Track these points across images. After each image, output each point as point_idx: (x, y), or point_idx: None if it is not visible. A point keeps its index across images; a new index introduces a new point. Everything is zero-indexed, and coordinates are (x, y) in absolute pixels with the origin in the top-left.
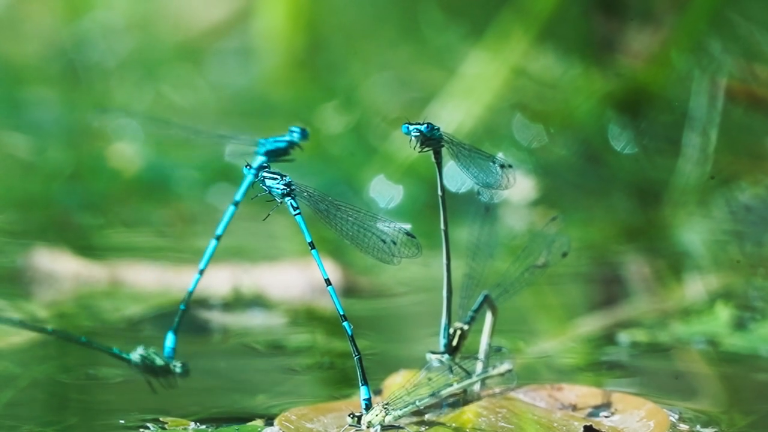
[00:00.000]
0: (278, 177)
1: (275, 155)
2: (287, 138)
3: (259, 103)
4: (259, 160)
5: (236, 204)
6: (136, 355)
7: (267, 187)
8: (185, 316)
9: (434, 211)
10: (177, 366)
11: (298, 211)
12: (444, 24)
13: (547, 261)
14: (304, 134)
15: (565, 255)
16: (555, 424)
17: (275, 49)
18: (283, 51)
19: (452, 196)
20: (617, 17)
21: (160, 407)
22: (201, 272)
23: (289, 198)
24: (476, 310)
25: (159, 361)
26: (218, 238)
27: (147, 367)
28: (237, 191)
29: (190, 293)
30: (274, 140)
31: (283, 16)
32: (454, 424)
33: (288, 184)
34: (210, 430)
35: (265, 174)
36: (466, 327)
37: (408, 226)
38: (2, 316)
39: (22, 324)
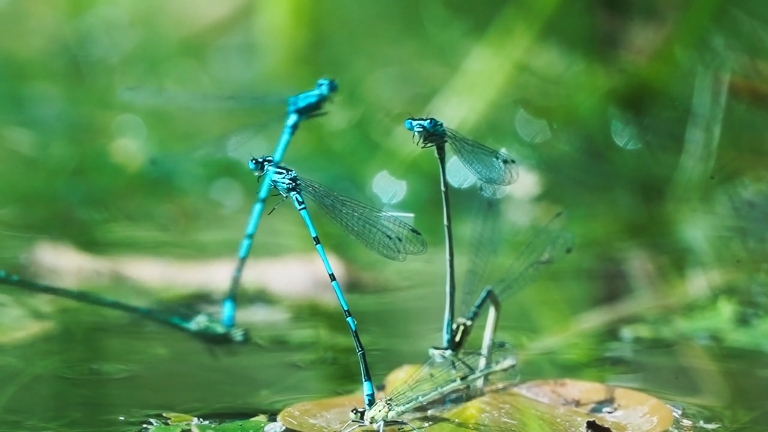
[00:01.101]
0: (284, 171)
1: (307, 111)
2: (317, 92)
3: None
4: (293, 118)
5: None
6: (195, 324)
7: (272, 181)
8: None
9: (437, 206)
10: (237, 333)
11: (303, 206)
12: (447, 20)
13: (551, 257)
14: (332, 86)
15: (569, 251)
16: (558, 420)
17: (278, 45)
18: (286, 47)
19: (455, 191)
20: (620, 13)
21: (163, 402)
22: (249, 236)
23: (295, 192)
24: (479, 306)
25: (219, 329)
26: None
27: (207, 335)
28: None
29: (243, 259)
30: (304, 96)
31: (286, 12)
32: (457, 420)
33: (293, 179)
34: (213, 425)
35: (270, 168)
36: (469, 322)
37: (411, 215)
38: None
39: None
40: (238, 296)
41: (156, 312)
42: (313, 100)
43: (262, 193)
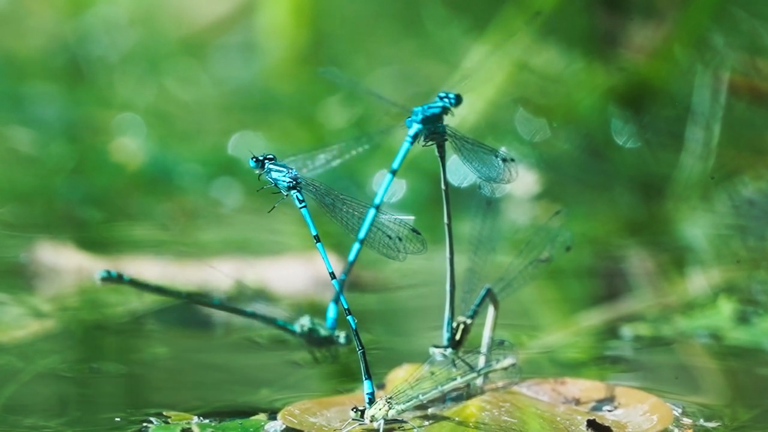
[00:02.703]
0: (284, 170)
1: (431, 122)
2: (440, 104)
3: (261, 97)
4: (416, 128)
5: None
6: (300, 325)
7: (273, 179)
8: (343, 286)
9: (437, 205)
10: (340, 336)
11: (303, 204)
12: (447, 18)
13: (550, 255)
14: (458, 99)
15: (568, 249)
16: (558, 418)
17: (278, 44)
18: (287, 46)
19: (455, 190)
20: (620, 11)
21: (163, 401)
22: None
23: (295, 191)
24: (479, 305)
25: (323, 332)
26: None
27: (311, 337)
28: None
29: (351, 263)
30: (428, 107)
31: (287, 11)
32: (457, 418)
33: (294, 177)
34: (213, 424)
35: (271, 166)
36: (469, 321)
37: (411, 218)
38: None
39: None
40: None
41: (262, 314)
42: (437, 111)
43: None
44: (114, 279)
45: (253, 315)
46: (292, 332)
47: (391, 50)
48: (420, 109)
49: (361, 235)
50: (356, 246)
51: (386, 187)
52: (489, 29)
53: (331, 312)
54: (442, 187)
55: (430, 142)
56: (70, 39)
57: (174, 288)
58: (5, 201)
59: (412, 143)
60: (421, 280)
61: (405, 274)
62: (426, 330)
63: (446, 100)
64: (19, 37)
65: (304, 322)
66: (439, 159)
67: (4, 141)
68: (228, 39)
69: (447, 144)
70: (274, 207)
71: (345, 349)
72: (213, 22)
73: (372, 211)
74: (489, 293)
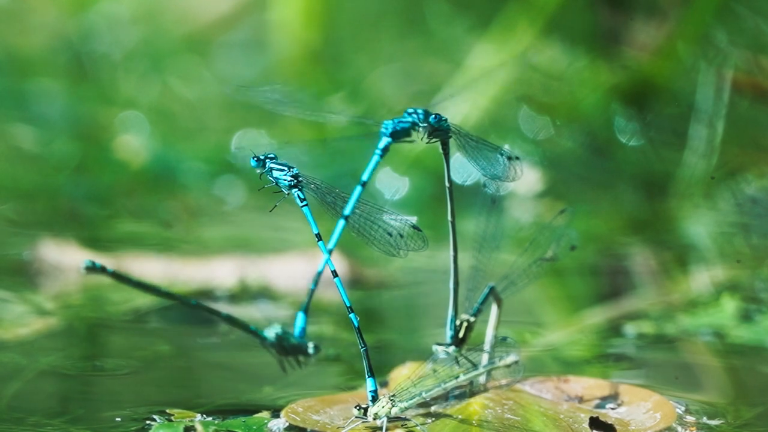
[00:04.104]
0: (285, 168)
1: (400, 136)
2: (410, 119)
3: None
4: (385, 141)
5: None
6: (271, 332)
7: (274, 178)
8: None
9: (440, 202)
10: (310, 345)
11: (305, 203)
12: (450, 16)
13: (555, 254)
14: (426, 115)
15: (573, 249)
16: (561, 416)
17: (284, 42)
18: (292, 43)
19: (458, 188)
20: (623, 9)
21: (166, 399)
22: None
23: (296, 190)
24: (482, 303)
25: (293, 340)
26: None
27: (282, 346)
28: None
29: (319, 273)
30: (399, 121)
31: (294, 9)
32: (460, 416)
33: (295, 176)
34: (216, 422)
35: (272, 165)
36: (472, 319)
37: (414, 219)
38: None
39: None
40: (310, 309)
41: (236, 319)
42: (406, 126)
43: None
44: (98, 270)
45: (228, 319)
46: (264, 339)
47: (395, 48)
48: (390, 123)
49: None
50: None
51: (355, 199)
52: (492, 27)
53: (300, 321)
54: (446, 184)
55: (434, 140)
56: (74, 36)
57: (154, 285)
58: (8, 198)
59: (381, 156)
60: (425, 278)
61: (408, 271)
62: (429, 328)
63: (414, 115)
64: (23, 35)
65: (275, 330)
66: (443, 156)
67: (7, 138)
68: (231, 36)
69: (451, 141)
70: (275, 206)
71: (349, 346)
72: (216, 19)
73: (359, 189)
74: (492, 291)
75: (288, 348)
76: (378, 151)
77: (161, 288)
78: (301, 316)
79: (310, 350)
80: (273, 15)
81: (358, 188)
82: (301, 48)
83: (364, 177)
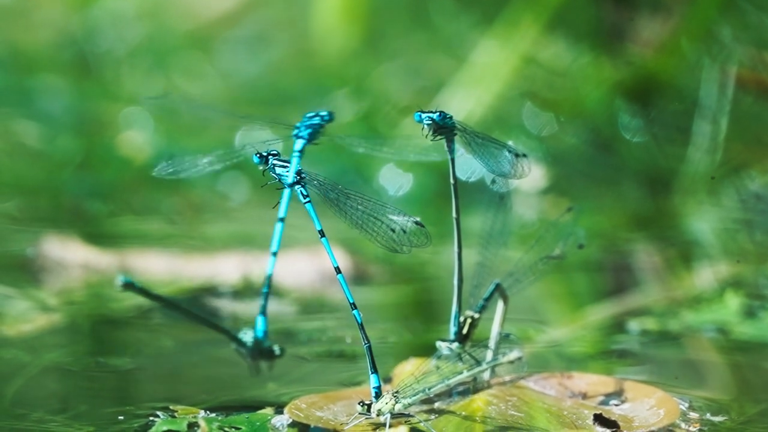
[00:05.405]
0: (288, 165)
1: (313, 138)
2: (317, 121)
3: (269, 91)
4: (300, 143)
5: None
6: (248, 336)
7: (277, 175)
8: (269, 299)
9: (443, 199)
10: (276, 348)
11: (308, 199)
12: (454, 12)
13: (562, 252)
14: (330, 117)
15: (581, 247)
16: (565, 413)
17: (286, 38)
18: (295, 39)
19: (462, 184)
20: (627, 5)
21: (169, 395)
22: (275, 254)
23: (299, 186)
24: (487, 299)
25: (266, 344)
26: (282, 219)
27: (256, 349)
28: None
29: (269, 276)
30: (309, 124)
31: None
32: (463, 413)
33: (298, 173)
34: (220, 418)
35: (275, 162)
36: (476, 315)
37: (417, 219)
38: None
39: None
40: (267, 311)
41: (219, 326)
42: (317, 128)
43: (282, 213)
44: (134, 288)
45: (213, 326)
46: (243, 345)
47: (399, 43)
48: (300, 123)
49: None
50: (287, 192)
51: (285, 205)
52: (496, 23)
53: (260, 324)
54: (451, 181)
55: (440, 137)
56: (78, 33)
57: (185, 307)
58: (12, 195)
59: (300, 158)
60: (429, 274)
61: (412, 268)
62: (433, 324)
63: (317, 118)
64: (27, 31)
65: (248, 333)
66: (448, 153)
67: (11, 135)
68: (235, 33)
69: (456, 138)
70: (278, 203)
71: (353, 342)
72: (220, 15)
73: (279, 225)
74: (498, 288)
75: (261, 351)
76: (297, 154)
77: (192, 310)
78: (261, 319)
79: (277, 352)
80: (276, 11)
81: (287, 191)
82: (306, 44)
83: (289, 180)
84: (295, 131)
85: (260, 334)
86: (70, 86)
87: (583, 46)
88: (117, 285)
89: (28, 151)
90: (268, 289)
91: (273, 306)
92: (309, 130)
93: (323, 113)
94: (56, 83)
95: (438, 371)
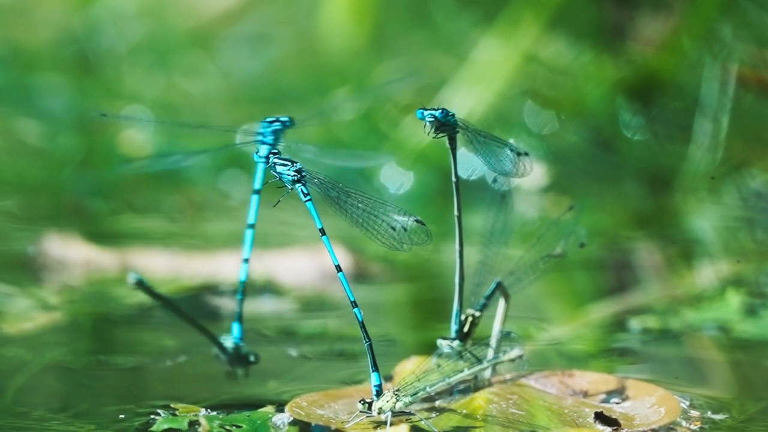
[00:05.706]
0: (289, 163)
1: (277, 141)
2: (280, 126)
3: (269, 89)
4: (266, 149)
5: (257, 192)
6: (230, 342)
7: (277, 173)
8: (243, 305)
9: (444, 197)
10: (252, 355)
11: (308, 198)
12: (455, 10)
13: (564, 251)
14: (291, 122)
15: (583, 246)
16: (566, 411)
17: (287, 36)
18: (297, 38)
19: (463, 182)
20: (628, 4)
21: (170, 394)
22: (246, 261)
23: (300, 184)
24: (489, 297)
25: (244, 350)
26: (252, 226)
27: (236, 355)
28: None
29: (243, 282)
30: (271, 130)
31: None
32: (464, 411)
33: (298, 171)
34: (221, 416)
35: (276, 160)
36: (477, 313)
37: (417, 217)
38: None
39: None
40: (243, 317)
41: (208, 332)
42: (279, 132)
43: (251, 219)
44: (145, 288)
45: (203, 330)
46: (226, 351)
47: (400, 42)
48: (264, 130)
49: (246, 256)
50: (255, 197)
51: (255, 210)
52: (497, 21)
53: (236, 331)
54: (453, 179)
55: (441, 134)
56: (79, 31)
57: (192, 317)
58: (13, 193)
59: (267, 163)
60: (430, 272)
61: (413, 266)
62: (434, 322)
63: (278, 123)
64: (28, 29)
65: (228, 339)
66: (450, 151)
67: (12, 133)
68: (236, 31)
69: (458, 136)
70: (279, 201)
71: (354, 341)
72: (221, 13)
73: (255, 197)
74: (500, 286)
75: (239, 357)
76: (262, 159)
77: (197, 320)
78: (236, 326)
79: (252, 359)
80: (277, 9)
81: (256, 197)
82: (307, 42)
83: (257, 186)
84: (259, 137)
85: (237, 340)
86: (72, 84)
87: (584, 44)
88: (129, 283)
89: (28, 149)
90: (243, 296)
91: (274, 304)
92: (272, 137)
93: (284, 119)
94: (57, 81)
95: (439, 369)
